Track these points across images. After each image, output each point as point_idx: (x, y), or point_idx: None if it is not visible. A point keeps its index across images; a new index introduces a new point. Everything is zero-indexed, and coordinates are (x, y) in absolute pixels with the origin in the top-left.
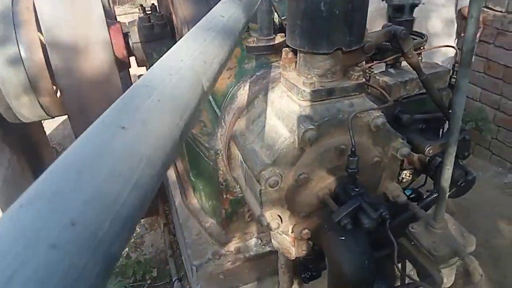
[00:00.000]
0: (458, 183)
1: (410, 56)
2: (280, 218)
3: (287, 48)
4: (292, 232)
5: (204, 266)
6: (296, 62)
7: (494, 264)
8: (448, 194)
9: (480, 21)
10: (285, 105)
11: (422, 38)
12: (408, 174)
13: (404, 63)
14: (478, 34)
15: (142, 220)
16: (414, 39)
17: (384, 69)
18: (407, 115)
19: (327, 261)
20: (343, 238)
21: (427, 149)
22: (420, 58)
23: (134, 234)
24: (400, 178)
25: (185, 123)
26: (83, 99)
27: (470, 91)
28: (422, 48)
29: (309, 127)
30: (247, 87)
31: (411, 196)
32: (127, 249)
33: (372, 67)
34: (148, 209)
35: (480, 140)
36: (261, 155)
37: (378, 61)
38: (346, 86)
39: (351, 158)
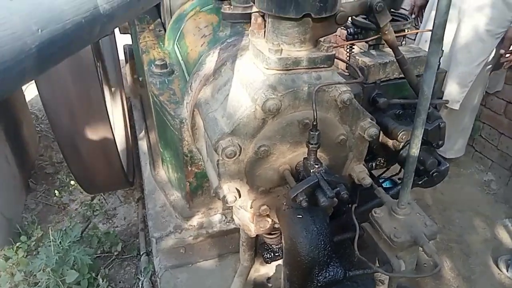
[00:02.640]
0: (431, 172)
1: (386, 32)
2: (239, 192)
3: (257, 13)
4: (251, 208)
5: (165, 239)
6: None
7: (464, 260)
8: (419, 182)
9: None
10: (250, 73)
11: (406, 20)
12: (382, 161)
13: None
14: None
15: (116, 191)
16: (397, 20)
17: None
18: (384, 98)
19: (283, 239)
20: (300, 216)
21: (400, 134)
22: (404, 41)
23: (107, 205)
24: (374, 165)
25: (50, 35)
26: None
27: None
28: (406, 30)
29: (271, 96)
30: (216, 53)
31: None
32: (95, 219)
33: (353, 46)
34: (123, 180)
35: None
36: (222, 124)
37: (359, 40)
38: (315, 57)
39: (311, 133)
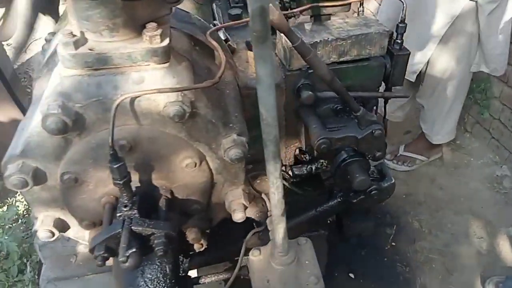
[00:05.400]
0: (367, 191)
1: None
2: (63, 222)
3: None
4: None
5: (49, 246)
6: None
7: (444, 277)
8: (354, 201)
9: None
10: (52, 77)
11: None
12: (324, 163)
13: (334, 18)
14: None
15: None
16: None
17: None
18: (308, 92)
19: None
20: None
21: (318, 142)
22: (362, 9)
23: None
24: (314, 168)
25: None
26: None
27: None
28: None
29: (52, 112)
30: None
31: None
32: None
33: None
34: None
35: (480, 118)
36: (15, 143)
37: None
38: (131, 51)
39: (109, 165)
